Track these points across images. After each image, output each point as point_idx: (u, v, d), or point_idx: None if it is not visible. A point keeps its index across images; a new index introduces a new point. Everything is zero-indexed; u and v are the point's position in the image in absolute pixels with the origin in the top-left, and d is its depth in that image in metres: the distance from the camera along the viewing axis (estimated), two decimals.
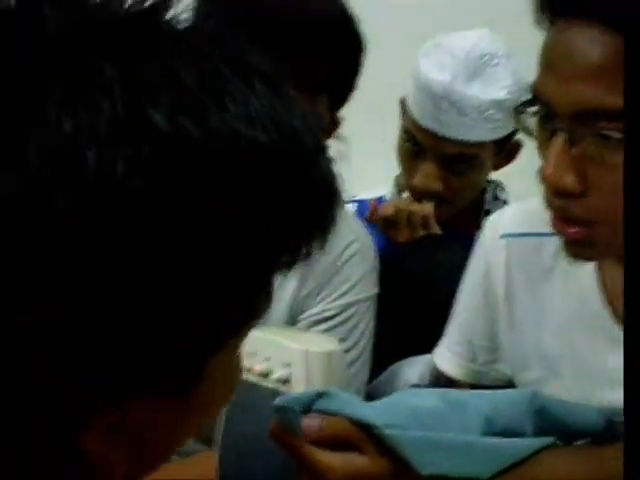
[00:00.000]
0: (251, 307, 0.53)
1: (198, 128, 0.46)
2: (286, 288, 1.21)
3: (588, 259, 0.94)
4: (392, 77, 1.61)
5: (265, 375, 0.95)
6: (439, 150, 1.51)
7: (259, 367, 0.95)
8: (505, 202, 1.64)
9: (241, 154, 0.47)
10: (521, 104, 0.91)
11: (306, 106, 1.09)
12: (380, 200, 1.69)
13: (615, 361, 0.98)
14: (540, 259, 1.04)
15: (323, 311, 1.21)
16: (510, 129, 1.50)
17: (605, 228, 0.87)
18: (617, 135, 0.82)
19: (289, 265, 0.55)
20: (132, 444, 0.52)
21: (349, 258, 1.24)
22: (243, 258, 0.49)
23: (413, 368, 1.34)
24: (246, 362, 0.96)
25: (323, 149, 0.53)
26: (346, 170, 1.83)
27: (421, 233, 1.56)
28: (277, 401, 0.86)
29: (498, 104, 1.46)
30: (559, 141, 0.85)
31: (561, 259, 1.03)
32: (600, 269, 1.01)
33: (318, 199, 0.52)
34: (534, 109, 0.89)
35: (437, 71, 1.48)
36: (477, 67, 1.47)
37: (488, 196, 1.66)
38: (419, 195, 1.56)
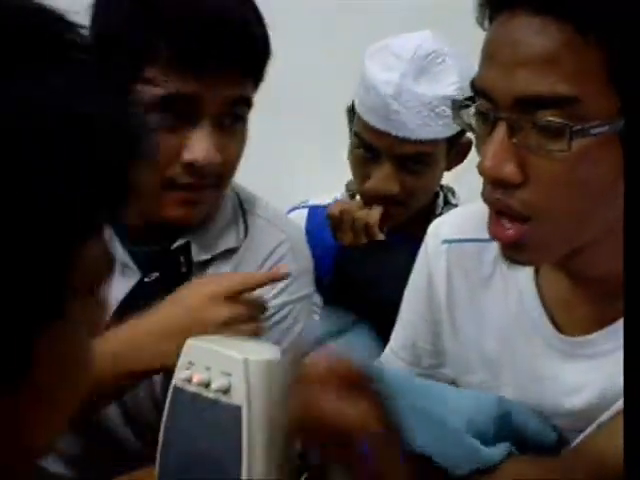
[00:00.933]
0: (56, 277, 0.52)
1: None
2: None
3: (524, 262, 0.94)
4: (341, 84, 1.61)
5: (205, 385, 0.94)
6: (393, 151, 1.52)
7: (198, 377, 0.94)
8: (456, 207, 1.65)
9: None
10: (462, 100, 0.91)
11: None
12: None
13: (551, 366, 0.99)
14: (480, 265, 1.04)
15: None
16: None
17: (540, 226, 0.87)
18: (556, 123, 0.82)
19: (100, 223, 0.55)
20: None
21: (280, 259, 1.23)
22: (42, 225, 0.49)
23: None
24: (185, 372, 0.96)
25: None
26: (298, 176, 1.86)
27: (363, 240, 1.56)
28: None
29: (447, 100, 1.47)
30: (499, 131, 0.85)
31: (501, 265, 1.03)
32: (537, 275, 1.01)
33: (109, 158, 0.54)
34: (475, 105, 0.89)
35: (385, 72, 1.50)
36: (424, 66, 1.49)
37: (440, 200, 1.66)
38: (374, 199, 1.56)
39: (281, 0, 1.72)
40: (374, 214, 1.55)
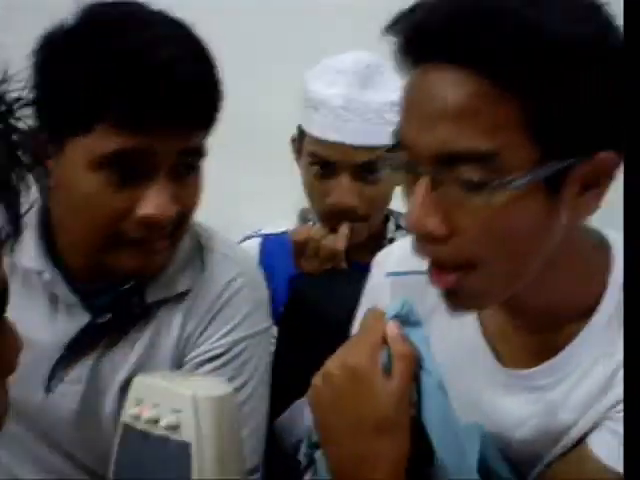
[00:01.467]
0: None
1: None
2: (170, 329, 1.19)
3: (465, 310, 0.95)
4: (288, 115, 1.63)
5: (154, 422, 0.94)
6: (349, 161, 1.55)
7: (147, 414, 0.94)
8: None
9: None
10: (387, 150, 0.91)
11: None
12: (286, 235, 1.70)
13: (494, 399, 0.99)
14: (423, 298, 1.04)
15: (210, 350, 1.19)
16: None
17: (475, 274, 0.88)
18: (477, 178, 0.82)
19: None
20: None
21: (234, 294, 1.22)
22: None
23: None
24: (134, 409, 0.96)
25: None
26: (250, 205, 1.85)
27: (328, 266, 1.57)
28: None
29: (394, 105, 1.50)
30: (422, 186, 0.85)
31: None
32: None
33: None
34: (398, 156, 0.89)
35: (331, 87, 1.55)
36: (366, 76, 1.54)
37: (390, 225, 1.68)
38: (335, 215, 1.57)
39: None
40: (340, 241, 1.56)
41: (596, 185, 0.86)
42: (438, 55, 0.84)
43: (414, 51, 0.86)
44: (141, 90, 1.03)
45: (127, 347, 1.19)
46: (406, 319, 0.90)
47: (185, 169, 1.11)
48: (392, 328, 0.89)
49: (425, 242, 0.87)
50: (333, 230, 1.58)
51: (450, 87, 0.83)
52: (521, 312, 0.97)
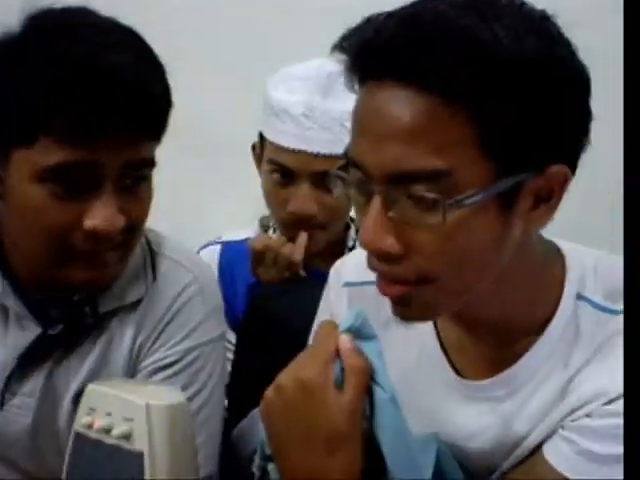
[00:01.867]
0: None
1: None
2: (123, 339, 1.18)
3: (413, 320, 0.94)
4: (249, 120, 1.63)
5: (107, 431, 0.93)
6: (309, 169, 1.55)
7: (99, 423, 0.94)
8: None
9: None
10: (337, 169, 0.91)
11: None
12: (246, 242, 1.70)
13: (451, 409, 0.99)
14: (380, 307, 1.03)
15: (163, 358, 1.18)
16: None
17: (427, 286, 0.87)
18: (430, 197, 0.82)
19: None
20: None
21: (187, 301, 1.20)
22: None
23: None
24: (86, 418, 0.95)
25: None
26: (211, 212, 1.84)
27: (285, 275, 1.57)
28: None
29: None
30: (375, 205, 0.84)
31: None
32: (436, 320, 1.02)
33: None
34: (349, 175, 0.88)
35: (292, 95, 1.55)
36: (328, 83, 1.53)
37: (351, 232, 1.68)
38: (295, 223, 1.57)
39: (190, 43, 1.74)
40: (298, 251, 1.56)
41: (548, 198, 0.87)
42: (387, 73, 0.83)
43: (362, 68, 0.85)
44: (83, 99, 1.01)
45: (80, 358, 1.17)
46: (360, 331, 0.90)
47: (133, 180, 1.09)
48: (344, 341, 0.88)
49: (379, 260, 0.87)
50: (292, 239, 1.58)
51: (399, 105, 0.82)
52: (476, 325, 0.98)
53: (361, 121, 0.86)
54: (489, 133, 0.81)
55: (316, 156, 1.53)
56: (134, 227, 1.12)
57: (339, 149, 1.53)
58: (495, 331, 0.96)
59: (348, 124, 1.51)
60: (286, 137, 1.55)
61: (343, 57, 0.86)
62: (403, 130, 0.82)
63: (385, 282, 0.89)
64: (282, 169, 1.57)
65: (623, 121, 0.90)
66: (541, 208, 0.87)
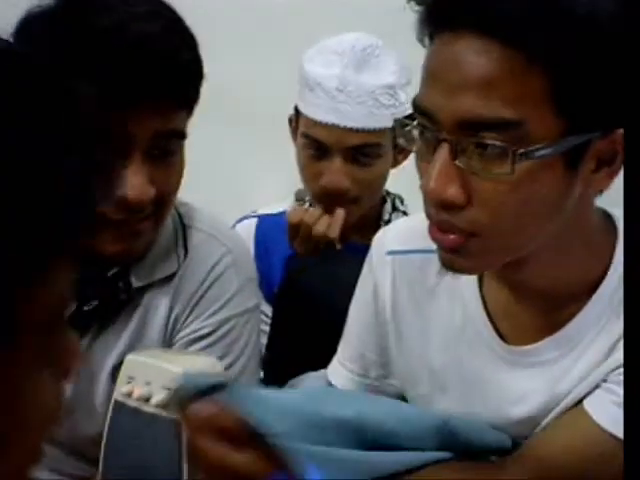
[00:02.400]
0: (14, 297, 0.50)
1: None
2: (157, 312, 1.19)
3: (461, 270, 0.94)
4: (286, 93, 1.63)
5: (145, 400, 0.94)
6: (342, 144, 1.54)
7: (138, 392, 0.94)
8: (405, 213, 1.66)
9: None
10: (405, 117, 0.91)
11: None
12: (282, 215, 1.70)
13: (496, 376, 0.99)
14: (425, 276, 1.04)
15: (198, 329, 1.19)
16: None
17: (482, 240, 0.87)
18: (499, 146, 0.82)
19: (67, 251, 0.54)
20: None
21: (221, 273, 1.20)
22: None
23: (311, 384, 1.33)
24: (125, 387, 0.95)
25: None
26: (248, 185, 1.85)
27: (321, 248, 1.57)
28: (182, 377, 0.87)
29: (389, 88, 1.53)
30: (442, 153, 0.85)
31: (446, 276, 1.03)
32: (481, 286, 1.02)
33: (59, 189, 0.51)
34: (417, 123, 0.88)
35: (327, 68, 1.54)
36: (363, 58, 1.53)
37: (387, 206, 1.67)
38: (327, 197, 1.57)
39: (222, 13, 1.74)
40: (334, 228, 1.55)
41: (610, 163, 0.87)
42: (465, 24, 0.83)
43: (439, 19, 0.86)
44: (111, 69, 1.01)
45: (116, 333, 1.18)
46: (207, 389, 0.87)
47: (163, 151, 1.09)
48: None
49: (441, 209, 0.87)
50: (328, 210, 1.58)
51: (476, 56, 0.83)
52: (528, 291, 0.97)
53: (435, 70, 0.86)
54: (562, 88, 0.82)
55: (349, 130, 1.53)
56: (164, 198, 1.12)
57: (372, 123, 1.55)
58: (546, 296, 0.96)
59: (382, 98, 1.54)
60: (319, 111, 1.55)
61: (418, 7, 0.87)
62: (479, 79, 0.82)
63: (440, 231, 0.89)
64: (316, 143, 1.57)
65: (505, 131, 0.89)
66: (603, 171, 0.87)
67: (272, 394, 0.91)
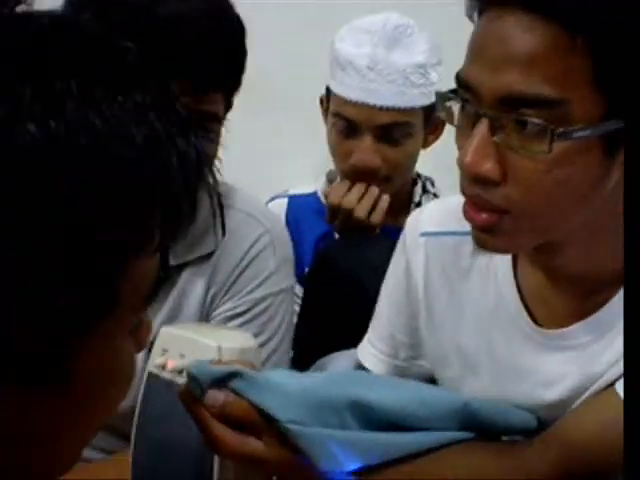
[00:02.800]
0: (106, 292, 0.52)
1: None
2: (195, 290, 1.20)
3: (494, 249, 0.94)
4: (317, 73, 1.64)
5: (179, 372, 0.94)
6: (373, 122, 1.55)
7: (172, 364, 0.94)
8: (435, 195, 1.67)
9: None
10: (445, 92, 0.91)
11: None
12: (314, 196, 1.71)
13: (528, 358, 0.99)
14: (458, 258, 1.04)
15: (234, 307, 1.20)
16: (434, 98, 1.54)
17: (514, 218, 0.88)
18: (538, 123, 0.82)
19: (155, 248, 0.56)
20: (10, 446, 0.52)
21: (259, 252, 1.22)
22: (95, 242, 0.50)
23: (341, 363, 1.33)
24: (160, 359, 0.96)
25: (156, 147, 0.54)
26: (278, 166, 1.85)
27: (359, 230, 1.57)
28: (191, 367, 0.87)
29: (420, 67, 1.54)
30: (481, 128, 0.85)
31: (479, 258, 1.03)
32: (515, 269, 1.02)
33: (158, 192, 0.54)
34: (458, 97, 0.89)
35: (358, 47, 1.55)
36: (394, 37, 1.54)
37: (418, 188, 1.68)
38: (358, 175, 1.58)
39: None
40: (379, 214, 1.56)
41: None
42: (515, 0, 0.83)
43: None
44: (141, 47, 1.02)
45: (153, 310, 1.17)
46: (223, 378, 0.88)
47: (198, 133, 1.10)
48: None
49: (476, 184, 0.87)
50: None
51: (522, 32, 0.83)
52: (561, 276, 0.97)
53: (480, 45, 0.86)
54: (605, 70, 0.81)
55: (380, 109, 1.54)
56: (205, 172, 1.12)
57: (403, 102, 1.55)
58: (580, 282, 0.96)
59: (412, 77, 1.54)
60: (350, 90, 1.55)
61: None
62: (523, 55, 0.82)
63: (474, 208, 0.89)
64: (346, 122, 1.58)
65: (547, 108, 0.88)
66: None
67: (289, 379, 0.91)
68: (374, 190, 1.56)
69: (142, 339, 0.61)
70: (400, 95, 1.53)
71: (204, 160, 0.58)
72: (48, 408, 0.53)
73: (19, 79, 0.49)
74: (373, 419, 0.91)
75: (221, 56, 1.09)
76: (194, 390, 0.87)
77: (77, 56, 0.52)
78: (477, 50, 0.87)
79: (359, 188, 1.57)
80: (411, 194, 1.68)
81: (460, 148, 0.88)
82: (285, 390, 0.88)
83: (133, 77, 0.54)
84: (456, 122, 0.90)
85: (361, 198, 1.56)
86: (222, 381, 0.87)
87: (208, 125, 1.11)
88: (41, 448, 0.55)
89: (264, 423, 0.86)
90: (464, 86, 0.87)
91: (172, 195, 0.54)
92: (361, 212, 1.55)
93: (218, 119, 1.12)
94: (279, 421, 0.86)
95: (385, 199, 1.56)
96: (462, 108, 0.89)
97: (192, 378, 0.87)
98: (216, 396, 0.86)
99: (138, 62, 0.56)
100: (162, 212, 0.54)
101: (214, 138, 1.14)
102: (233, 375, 0.87)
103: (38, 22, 0.53)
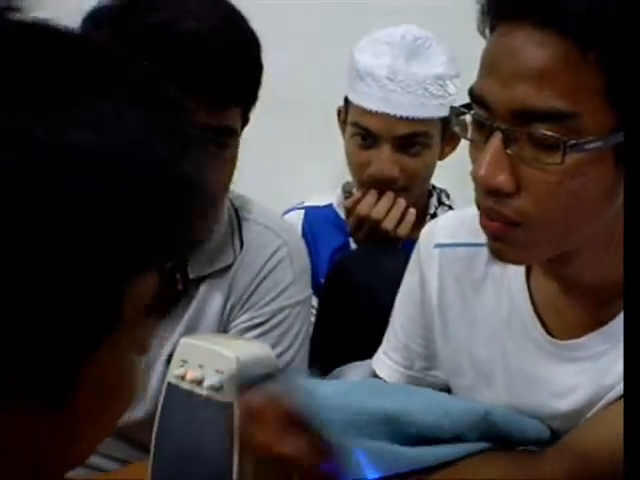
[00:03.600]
0: (109, 311, 0.52)
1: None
2: (213, 303, 1.21)
3: (508, 260, 0.95)
4: (333, 86, 1.65)
5: (198, 382, 0.95)
6: (391, 132, 1.56)
7: (191, 374, 0.95)
8: (450, 207, 1.67)
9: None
10: (459, 107, 0.92)
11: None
12: (329, 208, 1.72)
13: (542, 369, 1.00)
14: (472, 269, 1.05)
15: (252, 318, 1.21)
16: None
17: (528, 230, 0.89)
18: (551, 137, 0.83)
19: (161, 262, 0.57)
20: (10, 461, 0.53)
21: (276, 264, 1.23)
22: (97, 261, 0.50)
23: (355, 373, 1.34)
24: (179, 370, 0.97)
25: (173, 160, 0.54)
26: (293, 178, 1.85)
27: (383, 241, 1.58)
28: (236, 366, 0.89)
29: (438, 79, 1.56)
30: (495, 141, 0.86)
31: (493, 269, 1.04)
32: (529, 280, 1.02)
33: (168, 203, 0.54)
34: (472, 112, 0.90)
35: (377, 58, 1.57)
36: (413, 49, 1.56)
37: (433, 200, 1.69)
38: (374, 187, 1.59)
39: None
40: (405, 227, 1.57)
41: None
42: (525, 14, 0.85)
43: (500, 10, 0.88)
44: (161, 64, 1.03)
45: (172, 323, 1.20)
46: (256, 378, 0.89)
47: (214, 148, 1.10)
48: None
49: (490, 196, 0.88)
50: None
51: (534, 47, 0.84)
52: (575, 286, 0.98)
53: (492, 60, 0.88)
54: (616, 83, 0.83)
55: (399, 119, 1.56)
56: (214, 194, 1.13)
57: (422, 113, 1.56)
58: (593, 292, 0.97)
59: (431, 88, 1.55)
60: (370, 100, 1.57)
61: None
62: (535, 70, 0.84)
63: (488, 219, 0.90)
64: (365, 132, 1.59)
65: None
66: None
67: (320, 385, 0.92)
68: (402, 202, 1.57)
69: (144, 345, 0.61)
70: (419, 106, 1.55)
71: (206, 182, 0.57)
72: (50, 423, 0.53)
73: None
74: (398, 429, 0.92)
75: (238, 71, 1.10)
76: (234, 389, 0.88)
77: (81, 73, 0.52)
78: (489, 65, 0.88)
79: (388, 199, 1.57)
80: (427, 206, 1.69)
81: (474, 161, 0.89)
82: (320, 395, 0.89)
83: (138, 94, 0.54)
84: (469, 136, 0.91)
85: (388, 210, 1.57)
86: (259, 382, 0.88)
87: (227, 140, 1.12)
88: (43, 462, 0.56)
89: (300, 425, 0.87)
90: (477, 101, 0.89)
91: (181, 208, 0.55)
92: (389, 224, 1.56)
93: (236, 134, 1.13)
94: (315, 425, 0.87)
95: (412, 212, 1.58)
96: (476, 122, 0.90)
97: (233, 377, 0.88)
98: (254, 396, 0.88)
99: (147, 79, 0.57)
100: (171, 225, 0.54)
101: (233, 153, 1.14)
102: (270, 376, 0.89)
103: (44, 33, 0.53)
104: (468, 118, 0.92)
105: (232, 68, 1.08)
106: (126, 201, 0.51)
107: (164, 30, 1.04)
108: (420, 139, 1.58)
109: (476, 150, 0.90)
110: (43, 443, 0.54)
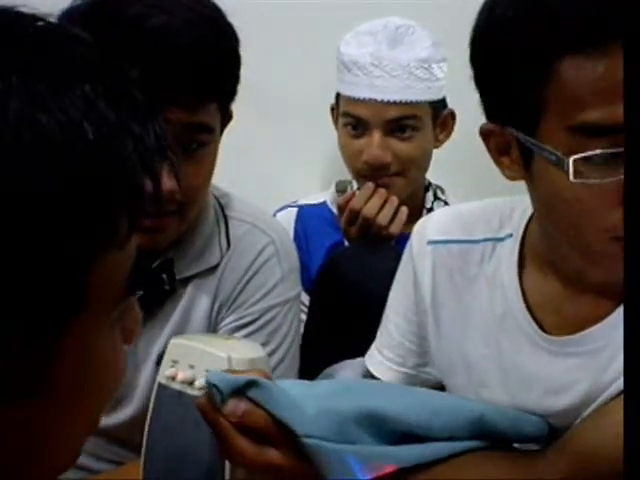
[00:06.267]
0: (75, 288, 0.52)
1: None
2: (201, 303, 1.20)
3: None
4: (326, 84, 1.65)
5: (189, 383, 0.95)
6: (381, 117, 1.58)
7: (182, 375, 0.95)
8: (446, 203, 1.67)
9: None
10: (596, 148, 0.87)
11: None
12: (323, 206, 1.72)
13: (537, 366, 0.99)
14: (465, 265, 1.04)
15: (241, 317, 1.20)
16: (441, 94, 1.61)
17: None
18: None
19: (121, 240, 0.55)
20: None
21: (264, 263, 1.22)
22: (56, 238, 0.50)
23: (348, 371, 1.34)
24: (170, 370, 0.97)
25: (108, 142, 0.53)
26: (285, 177, 1.84)
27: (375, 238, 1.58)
28: (210, 376, 0.87)
29: (423, 62, 1.58)
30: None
31: (485, 266, 1.03)
32: (521, 276, 1.02)
33: (116, 179, 0.53)
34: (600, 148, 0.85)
35: (360, 48, 1.59)
36: (397, 36, 1.58)
37: (430, 195, 1.69)
38: (370, 174, 1.60)
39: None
40: (398, 225, 1.57)
41: None
42: (611, 37, 0.83)
43: (581, 36, 0.84)
44: (132, 61, 1.02)
45: (160, 323, 1.20)
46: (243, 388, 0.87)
47: (190, 146, 1.09)
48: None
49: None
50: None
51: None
52: (579, 281, 0.98)
53: (605, 86, 0.84)
54: None
55: (387, 104, 1.57)
56: (190, 194, 1.11)
57: (409, 96, 1.58)
58: (598, 291, 0.96)
59: (416, 72, 1.56)
60: (357, 88, 1.59)
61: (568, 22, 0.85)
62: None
63: None
64: (355, 120, 1.61)
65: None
66: None
67: (302, 389, 0.92)
68: (394, 200, 1.58)
69: (129, 330, 0.60)
70: (405, 89, 1.57)
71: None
72: (32, 414, 0.53)
73: None
74: (386, 429, 0.91)
75: (213, 66, 1.08)
76: (214, 399, 0.86)
77: (16, 52, 0.51)
78: (602, 93, 0.84)
79: (380, 196, 1.57)
80: (423, 201, 1.69)
81: (588, 199, 0.87)
82: (302, 403, 0.88)
83: (80, 68, 0.53)
84: (593, 178, 0.86)
85: (381, 207, 1.57)
86: (241, 390, 0.87)
87: (203, 137, 1.11)
88: (32, 455, 0.55)
89: (282, 434, 0.86)
90: (606, 131, 0.84)
91: (131, 183, 0.53)
92: (383, 219, 1.56)
93: (212, 130, 1.12)
94: (297, 435, 0.86)
95: (404, 210, 1.58)
96: (609, 155, 0.85)
97: (212, 387, 0.87)
98: (236, 405, 0.86)
99: (88, 52, 0.55)
100: (125, 201, 0.53)
101: (210, 151, 1.13)
102: (251, 384, 0.87)
103: None
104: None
105: (204, 63, 1.07)
106: (68, 180, 0.50)
107: (135, 25, 1.03)
108: (410, 122, 1.60)
109: (605, 180, 0.85)
110: (30, 435, 0.54)
